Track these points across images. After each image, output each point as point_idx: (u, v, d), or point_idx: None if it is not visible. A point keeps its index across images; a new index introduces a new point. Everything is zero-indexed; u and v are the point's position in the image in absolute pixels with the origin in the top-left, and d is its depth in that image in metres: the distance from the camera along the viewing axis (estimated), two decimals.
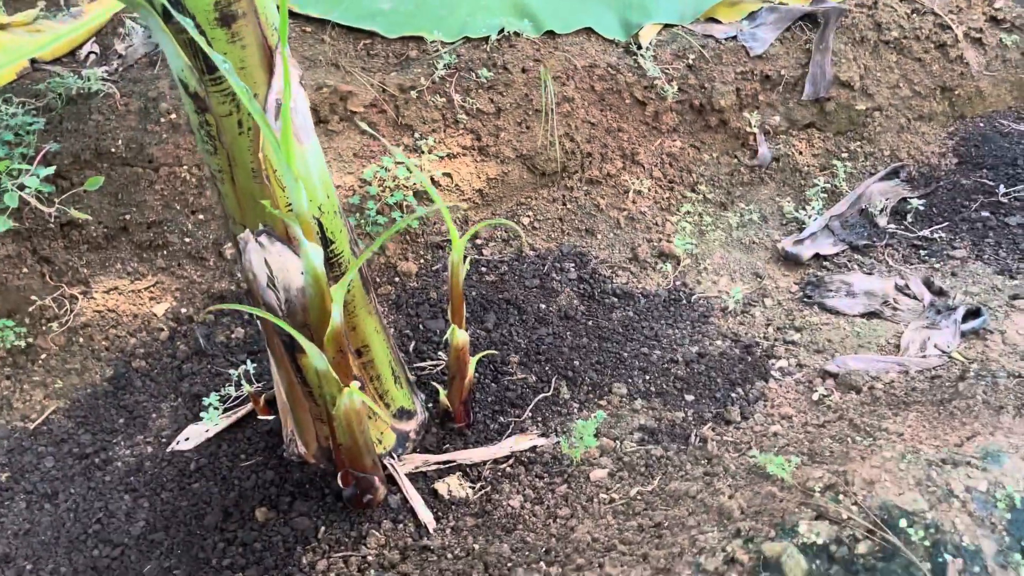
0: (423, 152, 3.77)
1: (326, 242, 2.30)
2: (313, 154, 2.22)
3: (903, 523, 1.68)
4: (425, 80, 3.87)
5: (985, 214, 3.78)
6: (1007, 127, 4.39)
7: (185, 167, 3.59)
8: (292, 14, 4.07)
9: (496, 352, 3.13)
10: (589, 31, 4.20)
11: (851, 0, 4.41)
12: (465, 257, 3.73)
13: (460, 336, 2.62)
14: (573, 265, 3.71)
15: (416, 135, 3.81)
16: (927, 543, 1.64)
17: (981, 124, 4.43)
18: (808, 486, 1.85)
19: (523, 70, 3.97)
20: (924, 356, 2.89)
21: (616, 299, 3.53)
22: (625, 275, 3.69)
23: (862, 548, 1.64)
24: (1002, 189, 3.91)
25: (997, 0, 4.52)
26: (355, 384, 2.27)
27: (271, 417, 2.89)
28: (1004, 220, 3.72)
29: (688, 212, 4.01)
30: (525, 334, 3.29)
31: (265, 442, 2.83)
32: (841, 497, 1.77)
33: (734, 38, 4.24)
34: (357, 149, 3.82)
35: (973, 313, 3.10)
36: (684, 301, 3.52)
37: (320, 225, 2.27)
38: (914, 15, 4.43)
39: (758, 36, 4.25)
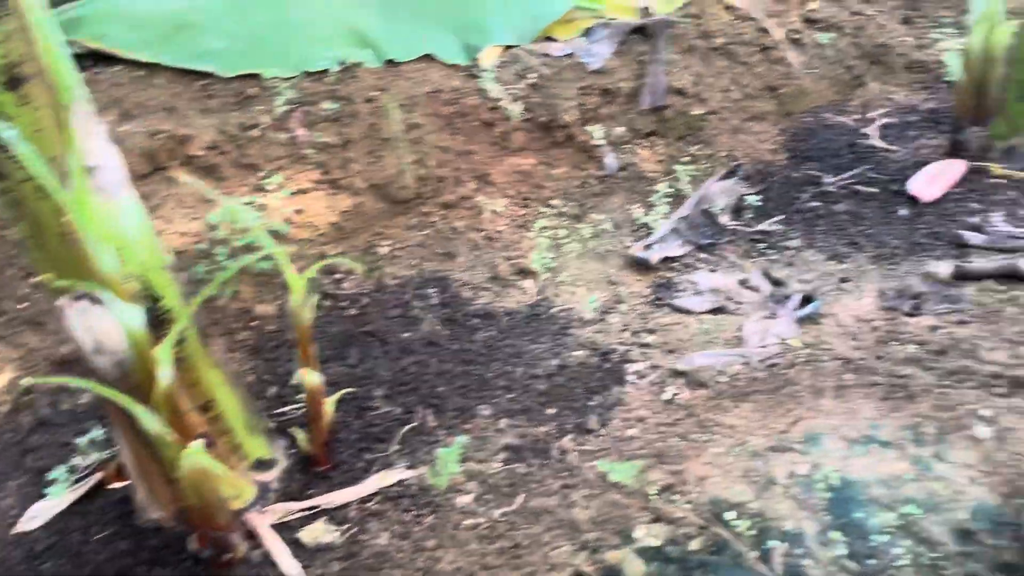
0: (270, 191, 3.70)
1: (153, 299, 2.22)
2: (129, 210, 2.15)
3: (731, 515, 1.77)
4: (266, 117, 3.81)
5: (815, 204, 4.04)
6: (831, 120, 4.70)
7: (15, 228, 3.40)
8: (119, 59, 3.94)
9: (357, 389, 3.10)
10: (431, 57, 4.24)
11: (679, 11, 4.63)
12: (325, 294, 3.70)
13: (312, 378, 2.59)
14: (435, 290, 3.72)
15: (261, 174, 3.75)
16: (753, 532, 1.74)
17: (807, 119, 4.72)
18: (647, 490, 1.93)
19: (367, 100, 3.97)
20: (764, 346, 3.05)
21: (479, 320, 3.56)
22: (487, 295, 3.73)
23: (695, 545, 1.72)
24: (828, 179, 4.18)
25: (810, 2, 4.85)
26: (198, 442, 2.21)
27: (123, 484, 2.76)
28: (832, 208, 3.98)
29: (544, 227, 4.10)
30: (389, 365, 3.27)
31: (118, 511, 2.70)
32: (676, 497, 1.85)
33: (571, 55, 4.37)
34: (201, 193, 3.71)
35: (807, 299, 3.29)
36: (544, 315, 3.59)
37: (144, 283, 2.20)
38: (737, 21, 4.69)
39: (594, 52, 4.41)
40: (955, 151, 4.10)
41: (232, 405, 2.58)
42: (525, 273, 3.84)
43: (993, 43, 4.00)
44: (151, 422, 2.02)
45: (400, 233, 3.98)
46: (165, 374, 2.04)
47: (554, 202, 4.25)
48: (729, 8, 4.69)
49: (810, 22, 4.85)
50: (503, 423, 2.96)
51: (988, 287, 3.07)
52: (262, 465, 2.72)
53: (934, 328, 2.88)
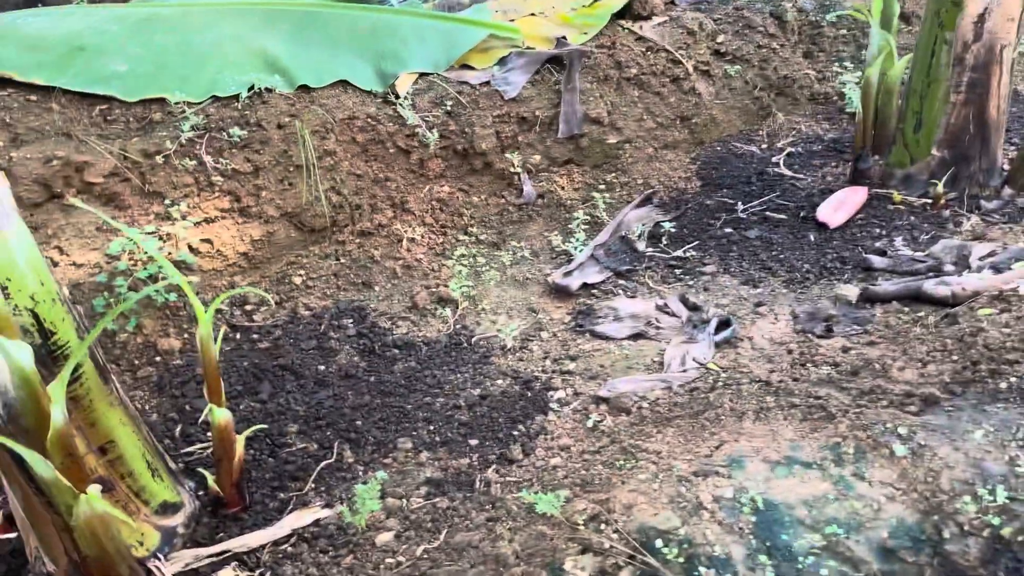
0: (176, 220, 3.54)
1: (45, 334, 2.07)
2: (17, 240, 2.00)
3: (659, 543, 1.74)
4: (172, 143, 3.65)
5: (728, 230, 4.13)
6: (740, 149, 4.84)
7: None
8: (13, 83, 3.71)
9: (269, 425, 2.97)
10: (345, 83, 4.17)
11: (592, 42, 4.70)
12: (235, 326, 3.54)
13: (220, 415, 2.45)
14: (351, 321, 3.62)
15: (167, 202, 3.58)
16: (681, 560, 1.71)
17: (718, 148, 4.85)
18: (574, 519, 1.88)
19: (279, 126, 3.86)
20: (684, 370, 3.07)
21: (398, 351, 3.48)
22: (405, 325, 3.65)
23: (625, 575, 1.68)
24: (740, 206, 4.29)
25: (718, 35, 5.00)
26: (95, 488, 2.05)
27: (13, 535, 2.55)
28: (744, 234, 4.08)
29: (463, 255, 4.06)
30: (303, 400, 3.15)
31: (8, 564, 2.49)
32: (603, 526, 1.81)
33: (487, 83, 4.37)
34: (100, 222, 3.52)
35: (724, 324, 3.34)
36: (465, 344, 3.53)
37: (36, 316, 2.04)
38: (649, 52, 4.79)
39: (510, 80, 4.42)
40: (857, 179, 4.27)
41: (134, 446, 2.42)
42: (444, 302, 3.78)
43: (889, 76, 4.20)
44: (43, 467, 1.86)
45: (315, 262, 3.87)
46: (58, 415, 1.88)
47: (473, 230, 4.22)
48: (640, 39, 4.80)
49: (718, 54, 5.00)
50: (424, 456, 2.87)
51: (894, 309, 3.18)
52: (167, 509, 2.55)
53: (846, 349, 2.95)
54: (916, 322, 2.98)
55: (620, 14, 4.92)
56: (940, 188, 3.92)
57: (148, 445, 2.50)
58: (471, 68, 4.49)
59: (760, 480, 1.94)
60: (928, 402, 2.16)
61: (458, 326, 3.65)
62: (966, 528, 1.78)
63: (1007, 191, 3.97)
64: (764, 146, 4.89)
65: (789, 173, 4.57)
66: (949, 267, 3.39)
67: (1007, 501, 1.82)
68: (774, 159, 4.71)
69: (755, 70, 5.07)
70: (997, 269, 3.17)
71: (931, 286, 3.12)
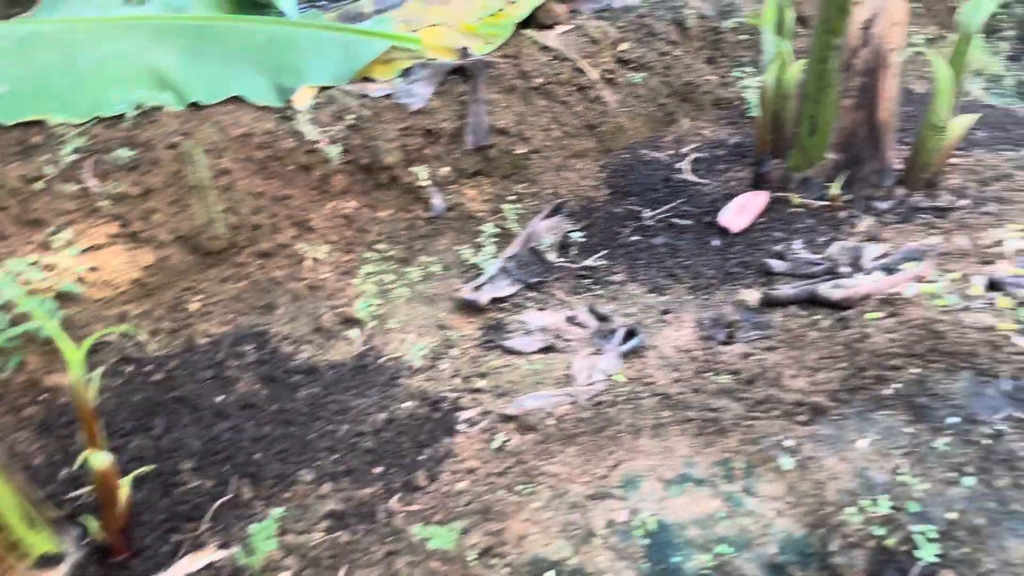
0: (58, 248, 3.36)
1: None
2: None
3: (550, 575, 1.71)
4: (52, 168, 3.47)
5: (636, 238, 4.14)
6: (647, 156, 4.88)
7: None
8: None
9: (161, 463, 2.84)
10: (240, 99, 4.03)
11: (497, 52, 4.67)
12: (126, 358, 3.38)
13: (99, 460, 2.33)
14: (252, 347, 3.50)
15: (48, 230, 3.40)
16: None
17: (626, 155, 4.87)
18: (466, 555, 1.83)
19: (170, 146, 3.70)
20: (591, 383, 3.05)
21: (301, 376, 3.37)
22: (310, 348, 3.55)
23: None
24: (647, 213, 4.31)
25: (621, 43, 5.03)
26: None
27: None
28: (651, 241, 4.10)
29: (369, 273, 3.97)
30: (200, 434, 3.02)
31: None
32: (495, 560, 1.77)
33: (390, 95, 4.29)
34: None
35: (631, 334, 3.34)
36: (372, 366, 3.44)
37: None
38: (554, 61, 4.78)
39: (414, 92, 4.35)
40: (758, 183, 4.34)
41: (6, 497, 2.27)
42: (351, 322, 3.68)
43: (785, 81, 4.28)
44: None
45: (213, 287, 3.73)
46: None
47: (380, 246, 4.13)
48: (545, 49, 4.79)
49: (622, 62, 5.03)
50: (326, 488, 2.78)
51: (792, 312, 3.23)
52: (48, 561, 2.41)
53: (746, 356, 2.98)
54: (812, 326, 3.03)
55: (525, 23, 4.89)
56: (835, 190, 4.01)
57: (24, 495, 2.36)
58: (373, 80, 4.40)
59: (654, 500, 1.93)
60: (817, 411, 2.19)
61: (365, 347, 3.56)
62: (851, 539, 1.80)
63: (900, 191, 4.09)
64: (670, 152, 4.94)
65: (694, 179, 4.62)
66: (845, 269, 3.46)
67: (891, 511, 1.84)
68: (679, 165, 4.76)
69: (659, 77, 5.12)
70: (889, 270, 3.26)
71: (826, 289, 3.18)
